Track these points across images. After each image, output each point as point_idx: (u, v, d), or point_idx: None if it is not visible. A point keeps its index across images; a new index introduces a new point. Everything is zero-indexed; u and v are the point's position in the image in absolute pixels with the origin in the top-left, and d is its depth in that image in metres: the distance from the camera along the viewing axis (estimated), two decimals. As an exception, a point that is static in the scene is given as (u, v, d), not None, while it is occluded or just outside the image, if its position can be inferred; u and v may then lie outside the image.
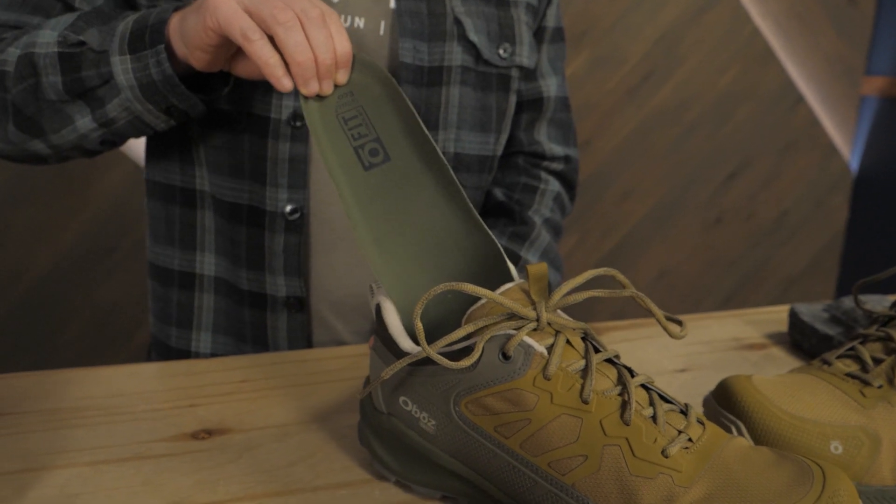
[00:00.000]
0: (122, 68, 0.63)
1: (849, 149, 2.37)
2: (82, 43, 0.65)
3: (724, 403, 0.48)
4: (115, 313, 1.76)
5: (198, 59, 0.61)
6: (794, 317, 0.72)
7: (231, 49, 0.61)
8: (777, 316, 0.79)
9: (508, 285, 0.42)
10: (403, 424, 0.45)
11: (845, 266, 2.46)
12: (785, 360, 0.69)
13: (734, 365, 0.67)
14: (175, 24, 0.62)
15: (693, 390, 0.62)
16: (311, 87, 0.53)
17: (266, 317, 0.77)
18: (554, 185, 0.89)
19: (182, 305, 0.80)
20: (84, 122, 0.67)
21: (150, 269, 0.82)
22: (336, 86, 0.54)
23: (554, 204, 0.87)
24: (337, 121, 0.53)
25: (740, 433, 0.47)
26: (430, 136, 0.52)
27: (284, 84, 0.55)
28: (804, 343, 0.70)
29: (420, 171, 0.51)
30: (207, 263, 0.78)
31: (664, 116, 2.16)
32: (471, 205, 0.51)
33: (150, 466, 0.50)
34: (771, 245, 2.39)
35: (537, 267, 0.41)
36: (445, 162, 0.51)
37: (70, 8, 0.71)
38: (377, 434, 0.48)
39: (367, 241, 0.49)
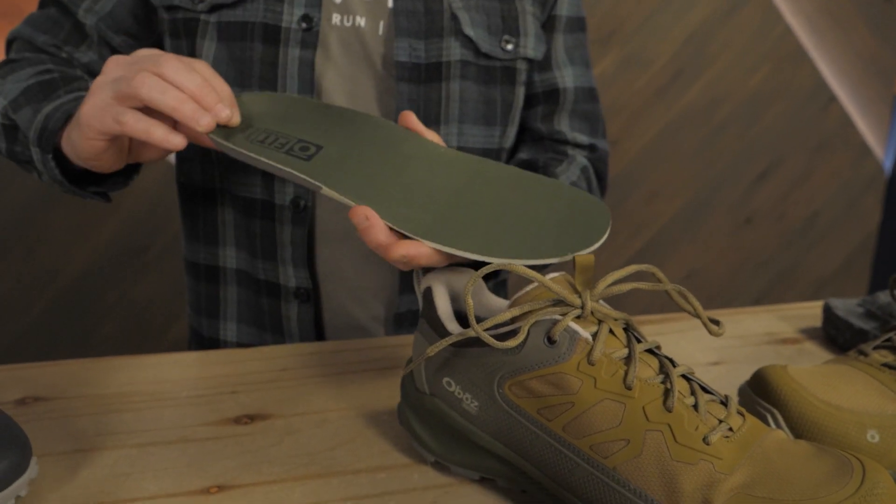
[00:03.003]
0: (37, 158, 0.66)
1: (882, 149, 2.35)
2: (15, 123, 0.69)
3: (760, 392, 0.49)
4: (148, 310, 1.78)
5: (99, 167, 0.62)
6: (828, 312, 0.72)
7: (123, 143, 0.63)
8: (811, 311, 0.79)
9: (554, 274, 0.43)
10: (445, 405, 0.46)
11: (878, 268, 2.43)
12: (819, 355, 0.69)
13: (768, 359, 0.68)
14: (66, 137, 0.63)
15: (727, 382, 0.63)
16: (203, 122, 0.55)
17: (280, 306, 0.80)
18: (582, 160, 0.86)
19: (209, 297, 0.84)
20: (36, 175, 0.72)
21: (185, 264, 0.86)
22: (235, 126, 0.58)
23: (581, 174, 0.84)
24: (252, 144, 0.56)
25: (776, 422, 0.47)
26: (351, 112, 0.59)
27: (173, 141, 0.56)
28: (839, 338, 0.70)
29: (365, 141, 0.56)
30: (229, 257, 0.81)
31: (693, 116, 2.15)
32: (415, 129, 0.57)
33: (195, 449, 0.51)
34: (802, 246, 2.37)
35: (584, 258, 0.41)
36: (378, 118, 0.58)
37: (77, 26, 0.76)
38: (418, 414, 0.48)
39: (361, 201, 0.52)
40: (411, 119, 0.58)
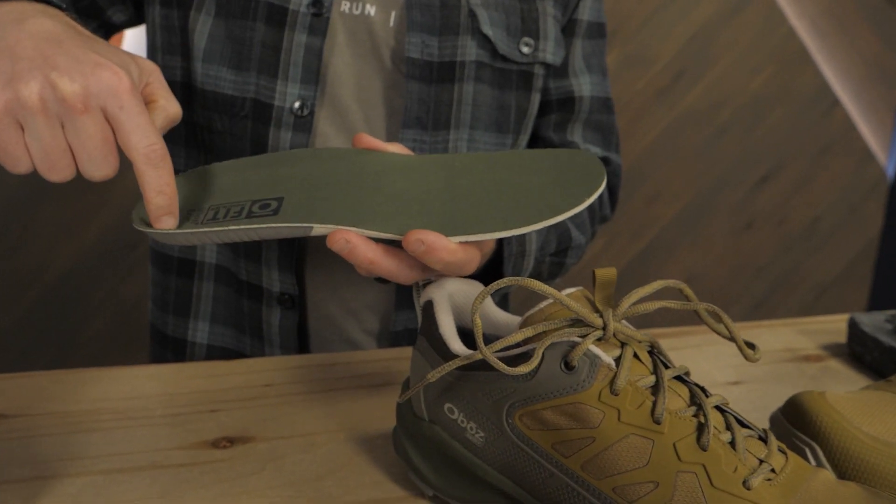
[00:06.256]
0: None
1: (885, 154, 2.31)
2: None
3: (797, 422, 0.44)
4: (136, 309, 1.74)
5: None
6: (853, 327, 0.67)
7: None
8: (833, 326, 0.74)
9: (571, 290, 0.38)
10: (447, 434, 0.41)
11: (879, 274, 2.39)
12: (845, 374, 0.64)
13: (791, 378, 0.63)
14: None
15: (749, 405, 0.58)
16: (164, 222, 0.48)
17: (261, 310, 0.74)
18: None
19: (180, 293, 0.78)
20: None
21: (151, 255, 0.80)
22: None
23: None
24: (204, 225, 0.48)
25: (816, 457, 0.42)
26: (295, 153, 0.53)
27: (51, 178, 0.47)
28: (865, 356, 0.65)
29: (324, 175, 0.51)
30: (209, 251, 0.76)
31: (695, 118, 2.11)
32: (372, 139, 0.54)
33: (167, 477, 0.46)
34: (802, 252, 2.33)
35: (605, 272, 0.36)
36: (326, 149, 0.53)
37: None
38: (415, 443, 0.44)
39: (346, 223, 0.47)
40: (365, 139, 0.54)
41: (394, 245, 0.48)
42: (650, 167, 2.10)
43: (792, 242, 2.31)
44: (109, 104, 0.44)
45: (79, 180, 1.63)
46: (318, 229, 0.46)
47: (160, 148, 0.46)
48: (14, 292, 1.66)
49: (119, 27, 0.76)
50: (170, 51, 0.72)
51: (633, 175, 2.09)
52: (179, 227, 0.48)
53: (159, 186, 0.46)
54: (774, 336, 0.71)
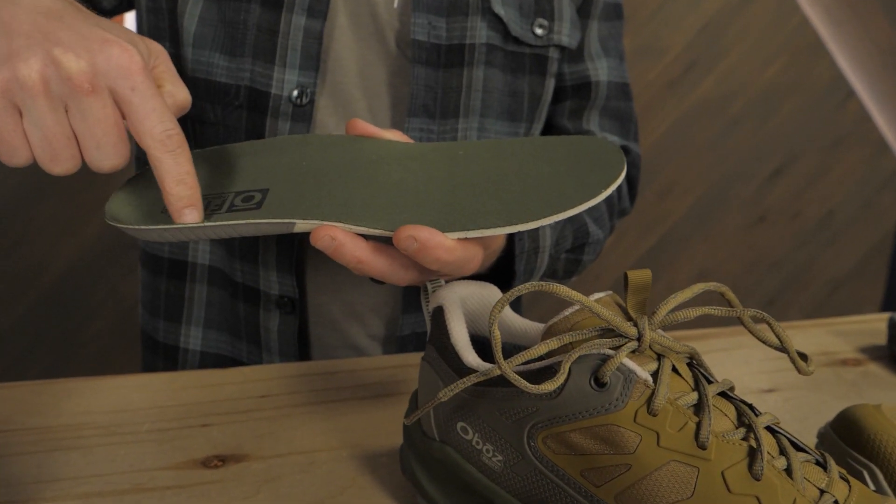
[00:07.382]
0: None
1: (901, 145, 2.26)
2: None
3: (851, 440, 0.39)
4: (137, 309, 1.70)
5: None
6: (894, 328, 0.62)
7: None
8: (870, 326, 0.69)
9: (600, 294, 0.33)
10: (460, 456, 0.37)
11: (894, 269, 2.34)
12: (888, 380, 0.60)
13: (829, 384, 0.58)
14: None
15: (787, 415, 0.53)
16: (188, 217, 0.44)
17: (259, 314, 0.70)
18: None
19: (171, 296, 0.73)
20: None
21: (141, 255, 0.76)
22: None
23: None
24: (180, 224, 0.44)
25: (875, 480, 0.38)
26: (283, 140, 0.50)
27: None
28: (907, 359, 0.61)
29: (315, 164, 0.47)
30: (202, 251, 0.71)
31: (706, 110, 2.06)
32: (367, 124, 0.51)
33: (151, 502, 0.42)
34: (816, 246, 2.29)
35: (639, 274, 0.32)
36: (319, 135, 0.49)
37: None
38: (424, 464, 0.39)
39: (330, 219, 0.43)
40: (359, 125, 0.50)
41: (387, 242, 0.44)
42: (661, 160, 2.06)
43: (805, 236, 2.26)
44: (120, 85, 0.40)
45: (79, 176, 1.59)
46: (300, 225, 0.42)
47: (177, 133, 0.41)
48: (14, 292, 1.63)
49: (110, 13, 0.72)
50: (157, 35, 0.67)
51: (644, 168, 2.05)
52: (155, 222, 0.43)
53: (179, 175, 0.42)
54: (806, 338, 0.67)
